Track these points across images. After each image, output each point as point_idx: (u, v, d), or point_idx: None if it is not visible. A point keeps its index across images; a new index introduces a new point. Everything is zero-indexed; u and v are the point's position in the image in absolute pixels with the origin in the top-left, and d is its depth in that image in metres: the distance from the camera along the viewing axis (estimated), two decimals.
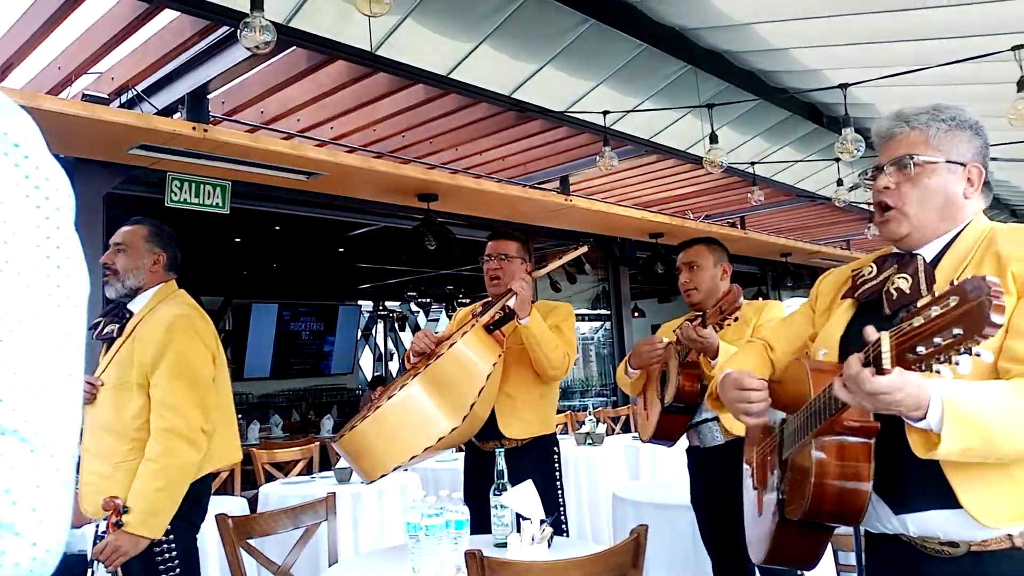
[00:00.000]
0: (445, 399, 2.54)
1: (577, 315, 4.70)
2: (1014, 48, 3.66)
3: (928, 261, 1.51)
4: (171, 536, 2.35)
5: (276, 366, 11.85)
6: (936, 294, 1.15)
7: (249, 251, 8.82)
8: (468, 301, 12.40)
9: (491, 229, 4.01)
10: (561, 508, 3.10)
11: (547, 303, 3.22)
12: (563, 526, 3.11)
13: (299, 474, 5.07)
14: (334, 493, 3.01)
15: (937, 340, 1.12)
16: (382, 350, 14.49)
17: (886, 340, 1.20)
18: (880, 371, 1.21)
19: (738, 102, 4.89)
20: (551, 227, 7.33)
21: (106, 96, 4.10)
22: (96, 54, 3.74)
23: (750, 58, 4.78)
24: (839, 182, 6.52)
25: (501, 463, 2.60)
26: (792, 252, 10.23)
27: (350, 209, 5.99)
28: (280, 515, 2.85)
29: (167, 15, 3.57)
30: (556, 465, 3.15)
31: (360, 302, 13.57)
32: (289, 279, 10.99)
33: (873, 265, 1.62)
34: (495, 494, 2.52)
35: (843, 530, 2.14)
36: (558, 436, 3.25)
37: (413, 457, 2.50)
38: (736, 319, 2.75)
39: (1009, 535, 1.37)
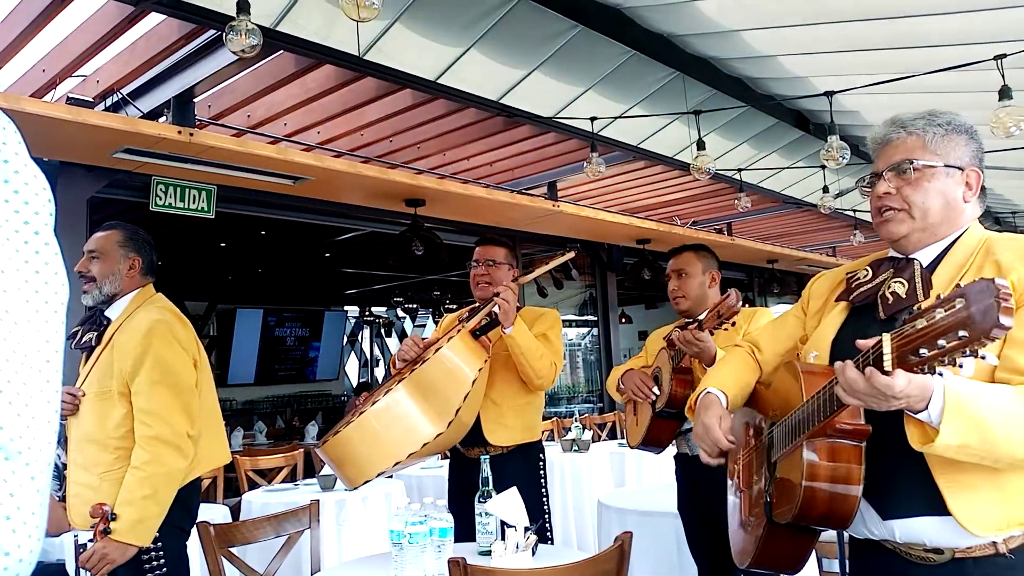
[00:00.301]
0: (430, 404, 2.52)
1: (564, 321, 4.69)
2: (996, 57, 3.69)
3: (924, 266, 1.51)
4: (159, 544, 2.33)
5: (261, 372, 11.77)
6: (941, 297, 1.14)
7: (234, 256, 8.76)
8: (455, 307, 12.38)
9: (478, 234, 4.00)
10: (546, 515, 3.08)
11: (534, 310, 3.20)
12: (548, 533, 3.10)
13: (283, 481, 5.04)
14: (317, 501, 2.98)
15: (941, 342, 1.12)
16: (368, 356, 14.44)
17: (887, 342, 1.19)
18: (882, 373, 1.21)
19: (725, 109, 4.91)
20: (538, 233, 7.33)
21: (91, 99, 4.06)
22: (81, 57, 3.70)
23: (737, 65, 4.80)
24: (825, 189, 6.55)
25: (486, 470, 2.59)
26: (779, 259, 10.28)
27: (337, 214, 5.95)
28: (262, 523, 2.83)
29: (153, 18, 3.54)
30: (541, 472, 3.14)
31: (346, 308, 13.52)
32: (274, 284, 10.92)
33: (868, 268, 1.61)
34: (480, 501, 2.51)
35: (827, 537, 2.15)
36: (544, 443, 3.24)
37: (397, 463, 2.48)
38: (734, 324, 2.73)
39: (993, 542, 1.37)
